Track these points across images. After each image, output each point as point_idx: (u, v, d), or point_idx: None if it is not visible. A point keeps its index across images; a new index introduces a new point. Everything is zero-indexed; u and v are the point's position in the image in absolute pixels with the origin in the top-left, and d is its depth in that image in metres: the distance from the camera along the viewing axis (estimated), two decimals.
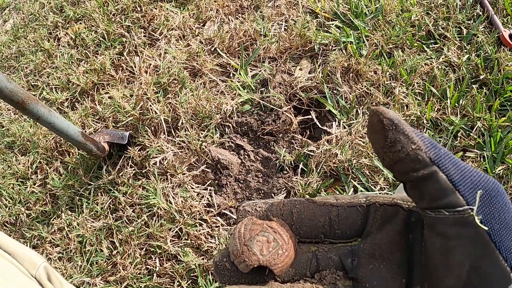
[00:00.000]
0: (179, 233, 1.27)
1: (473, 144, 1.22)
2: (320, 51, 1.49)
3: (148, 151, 1.41)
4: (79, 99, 1.68)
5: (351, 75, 1.40)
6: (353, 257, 0.28)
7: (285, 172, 1.30)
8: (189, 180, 1.35)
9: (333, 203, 0.28)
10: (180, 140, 1.42)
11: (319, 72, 1.43)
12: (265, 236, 0.27)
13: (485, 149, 1.20)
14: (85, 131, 1.53)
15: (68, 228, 1.39)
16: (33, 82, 1.82)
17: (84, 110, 1.61)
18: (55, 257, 1.36)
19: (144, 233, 1.29)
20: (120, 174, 1.41)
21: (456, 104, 1.30)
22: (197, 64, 1.57)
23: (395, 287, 0.27)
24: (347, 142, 1.27)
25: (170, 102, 1.49)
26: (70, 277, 1.29)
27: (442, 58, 1.38)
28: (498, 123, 1.22)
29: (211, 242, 1.25)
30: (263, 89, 1.45)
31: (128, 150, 1.43)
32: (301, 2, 1.63)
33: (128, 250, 1.28)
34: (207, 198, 1.31)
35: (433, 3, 1.51)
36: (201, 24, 1.73)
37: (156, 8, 1.80)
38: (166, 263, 1.24)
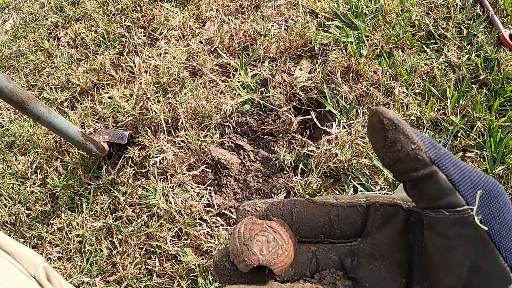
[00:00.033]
0: (179, 233, 1.27)
1: (473, 144, 1.22)
2: (320, 51, 1.49)
3: (148, 151, 1.41)
4: (79, 99, 1.68)
5: (351, 75, 1.40)
6: (353, 257, 0.28)
7: (285, 172, 1.30)
8: (189, 180, 1.35)
9: (333, 203, 0.28)
10: (180, 140, 1.42)
11: (319, 72, 1.43)
12: (265, 235, 0.27)
13: (485, 149, 1.20)
14: (85, 131, 1.53)
15: (68, 228, 1.39)
16: (33, 81, 1.82)
17: (84, 110, 1.61)
18: (54, 257, 1.36)
19: (143, 233, 1.29)
20: (120, 174, 1.41)
21: (456, 104, 1.30)
22: (197, 64, 1.57)
23: (395, 287, 0.27)
24: (347, 142, 1.27)
25: (170, 102, 1.49)
26: (69, 277, 1.29)
27: (442, 58, 1.38)
28: (498, 123, 1.22)
29: (210, 242, 1.24)
30: (263, 89, 1.45)
31: (128, 150, 1.43)
32: (301, 2, 1.63)
33: (128, 250, 1.28)
34: (207, 198, 1.31)
35: (433, 3, 1.51)
36: (201, 24, 1.73)
37: (156, 8, 1.80)
38: (166, 263, 1.24)
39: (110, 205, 1.39)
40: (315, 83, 1.41)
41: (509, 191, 1.14)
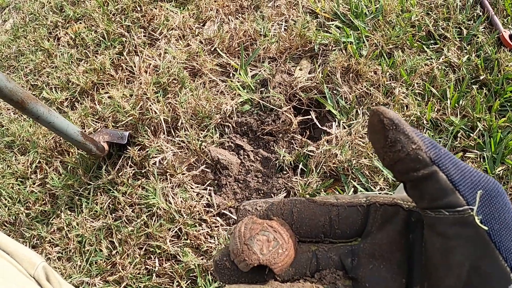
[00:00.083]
0: (179, 233, 1.27)
1: (473, 145, 1.22)
2: (320, 51, 1.49)
3: (147, 151, 1.41)
4: (79, 98, 1.68)
5: (351, 75, 1.40)
6: (353, 256, 0.28)
7: (285, 172, 1.30)
8: (189, 180, 1.35)
9: (333, 203, 0.28)
10: (179, 140, 1.42)
11: (319, 72, 1.43)
12: (265, 235, 0.27)
13: (485, 149, 1.20)
14: (85, 131, 1.53)
15: (68, 228, 1.39)
16: (32, 81, 1.82)
17: (83, 109, 1.61)
18: (54, 257, 1.35)
19: (143, 233, 1.29)
20: (119, 174, 1.41)
21: (456, 105, 1.30)
22: (197, 64, 1.57)
23: (395, 287, 0.27)
24: (347, 143, 1.27)
25: (170, 102, 1.49)
26: (69, 277, 1.29)
27: (442, 59, 1.38)
28: (498, 123, 1.22)
29: (210, 242, 1.24)
30: (263, 89, 1.45)
31: (128, 150, 1.43)
32: (301, 2, 1.63)
33: (128, 250, 1.28)
34: (207, 198, 1.31)
35: (433, 3, 1.51)
36: (201, 24, 1.73)
37: (156, 8, 1.80)
38: (166, 263, 1.24)
39: (110, 205, 1.39)
40: (315, 83, 1.41)
41: (509, 191, 1.14)
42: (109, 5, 1.87)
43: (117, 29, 1.79)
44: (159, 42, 1.71)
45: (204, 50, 1.61)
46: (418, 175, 0.23)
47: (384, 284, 0.27)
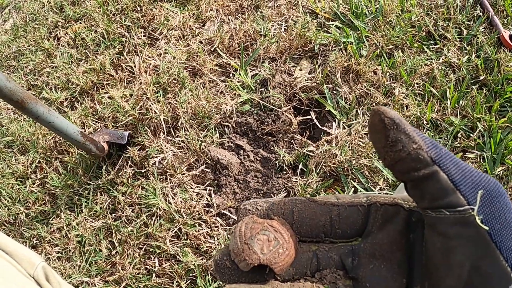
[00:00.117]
0: (178, 233, 1.27)
1: (473, 145, 1.22)
2: (320, 51, 1.49)
3: (147, 151, 1.41)
4: (79, 98, 1.68)
5: (351, 75, 1.40)
6: (353, 256, 0.28)
7: (285, 172, 1.30)
8: (189, 180, 1.35)
9: (334, 203, 0.28)
10: (179, 140, 1.42)
11: (319, 72, 1.43)
12: (265, 234, 0.27)
13: (485, 150, 1.20)
14: (85, 131, 1.53)
15: (67, 227, 1.39)
16: (32, 81, 1.82)
17: (83, 109, 1.61)
18: (54, 256, 1.35)
19: (143, 233, 1.29)
20: (119, 174, 1.41)
21: (456, 105, 1.30)
22: (197, 64, 1.57)
23: (396, 287, 0.27)
24: (347, 143, 1.27)
25: (170, 102, 1.49)
26: (69, 276, 1.29)
27: (442, 59, 1.39)
28: (498, 124, 1.22)
29: (210, 242, 1.24)
30: (263, 89, 1.45)
31: (128, 150, 1.43)
32: (301, 2, 1.63)
33: (127, 250, 1.28)
34: (207, 198, 1.31)
35: (433, 3, 1.52)
36: (201, 24, 1.73)
37: (156, 8, 1.80)
38: (165, 263, 1.24)
39: (110, 205, 1.39)
40: (315, 84, 1.41)
41: (509, 192, 1.14)
42: (109, 5, 1.87)
43: (117, 29, 1.79)
44: (159, 42, 1.71)
45: (204, 50, 1.61)
46: (419, 174, 0.23)
47: (384, 284, 0.27)
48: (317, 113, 1.41)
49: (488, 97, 1.29)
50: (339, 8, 1.56)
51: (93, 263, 1.31)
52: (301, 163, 1.30)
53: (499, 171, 1.16)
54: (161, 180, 1.36)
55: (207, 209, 1.30)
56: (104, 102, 1.59)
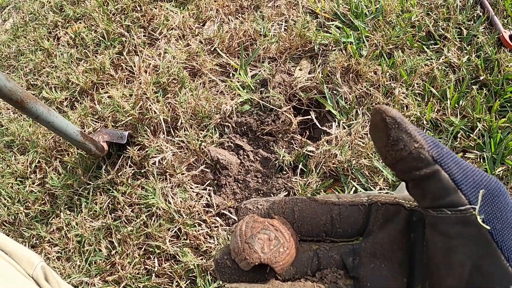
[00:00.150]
0: (178, 233, 1.27)
1: (473, 145, 1.22)
2: (320, 51, 1.49)
3: (147, 151, 1.41)
4: (79, 98, 1.68)
5: (351, 75, 1.40)
6: (354, 256, 0.27)
7: (285, 172, 1.30)
8: (188, 180, 1.35)
9: (335, 202, 0.28)
10: (179, 140, 1.42)
11: (319, 72, 1.43)
12: (266, 234, 0.27)
13: (485, 150, 1.20)
14: (84, 131, 1.53)
15: (67, 227, 1.39)
16: (32, 81, 1.82)
17: (83, 109, 1.61)
18: (53, 256, 1.35)
19: (143, 233, 1.29)
20: (119, 174, 1.41)
21: (456, 105, 1.30)
22: (197, 64, 1.57)
23: (396, 286, 0.26)
24: (347, 143, 1.27)
25: (170, 102, 1.49)
26: (68, 276, 1.29)
27: (442, 59, 1.38)
28: (498, 124, 1.22)
29: (210, 242, 1.24)
30: (263, 89, 1.45)
31: (127, 150, 1.43)
32: (301, 2, 1.63)
33: (127, 250, 1.28)
34: (206, 198, 1.31)
35: (433, 3, 1.52)
36: (201, 24, 1.73)
37: (156, 8, 1.79)
38: (165, 263, 1.24)
39: (109, 205, 1.39)
40: (315, 84, 1.41)
41: (510, 192, 1.14)
42: (109, 4, 1.87)
43: (117, 28, 1.79)
44: (159, 42, 1.71)
45: (204, 50, 1.61)
46: (420, 174, 0.23)
47: (385, 283, 0.26)
48: (317, 113, 1.41)
49: (488, 97, 1.29)
50: (339, 8, 1.56)
51: (93, 263, 1.30)
52: (301, 163, 1.30)
53: (499, 171, 1.16)
54: (160, 180, 1.36)
55: (206, 209, 1.30)
56: (104, 102, 1.59)
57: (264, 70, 1.49)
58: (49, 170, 1.52)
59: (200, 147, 1.38)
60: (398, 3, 1.52)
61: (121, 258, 1.27)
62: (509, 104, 1.27)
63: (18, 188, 1.52)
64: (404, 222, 0.27)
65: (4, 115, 1.78)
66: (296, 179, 1.27)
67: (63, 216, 1.41)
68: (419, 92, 1.34)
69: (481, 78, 1.32)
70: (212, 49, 1.61)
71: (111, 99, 1.58)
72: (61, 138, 1.53)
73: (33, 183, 1.53)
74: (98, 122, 1.57)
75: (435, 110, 1.30)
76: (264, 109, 1.40)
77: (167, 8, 1.78)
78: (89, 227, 1.35)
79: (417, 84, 1.35)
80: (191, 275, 1.21)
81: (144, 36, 1.75)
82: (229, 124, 1.41)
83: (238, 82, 1.50)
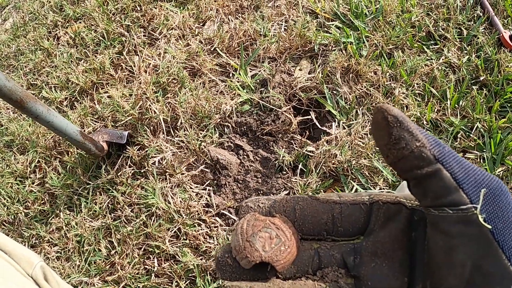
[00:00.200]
0: (178, 233, 1.27)
1: (473, 145, 1.22)
2: (320, 51, 1.49)
3: (147, 151, 1.41)
4: (78, 98, 1.68)
5: (351, 75, 1.40)
6: (355, 255, 0.27)
7: (284, 172, 1.30)
8: (188, 180, 1.35)
9: (336, 201, 0.28)
10: (179, 140, 1.42)
11: (318, 72, 1.43)
12: (267, 232, 0.27)
13: (485, 150, 1.20)
14: (84, 130, 1.53)
15: (67, 227, 1.38)
16: (32, 81, 1.81)
17: (83, 109, 1.60)
18: (53, 256, 1.35)
19: (142, 233, 1.28)
20: (118, 174, 1.41)
21: (456, 105, 1.30)
22: (197, 64, 1.57)
23: (397, 285, 0.26)
24: (347, 143, 1.27)
25: (170, 102, 1.49)
26: (68, 276, 1.29)
27: (442, 59, 1.39)
28: (498, 124, 1.22)
29: (209, 242, 1.24)
30: (263, 89, 1.45)
31: (127, 150, 1.43)
32: (301, 2, 1.63)
33: (127, 250, 1.28)
34: (206, 198, 1.31)
35: (433, 4, 1.52)
36: (201, 24, 1.73)
37: (156, 8, 1.79)
38: (165, 263, 1.24)
39: (109, 205, 1.38)
40: (315, 84, 1.41)
41: (510, 192, 1.14)
42: (109, 4, 1.87)
43: (117, 28, 1.79)
44: (159, 41, 1.71)
45: (204, 50, 1.61)
46: (421, 172, 0.23)
47: (386, 282, 0.26)
48: (317, 113, 1.40)
49: (488, 97, 1.29)
50: (339, 8, 1.56)
51: (92, 263, 1.30)
52: (300, 163, 1.29)
53: (499, 172, 1.16)
54: (160, 180, 1.36)
55: (206, 209, 1.30)
56: (104, 102, 1.59)
57: (264, 70, 1.48)
58: (48, 169, 1.52)
59: (200, 147, 1.38)
60: (398, 3, 1.52)
61: (121, 258, 1.27)
62: (509, 105, 1.27)
63: (18, 188, 1.52)
64: (405, 221, 0.27)
65: (4, 115, 1.78)
66: (296, 179, 1.27)
67: (62, 216, 1.41)
68: (419, 92, 1.34)
69: (481, 78, 1.32)
70: (212, 49, 1.61)
71: (111, 99, 1.58)
72: (60, 138, 1.53)
73: (33, 183, 1.53)
74: (98, 122, 1.57)
75: (435, 110, 1.30)
76: (264, 109, 1.40)
77: (167, 8, 1.78)
78: (88, 227, 1.35)
79: (417, 84, 1.35)
80: (190, 275, 1.21)
81: (144, 36, 1.75)
82: (229, 124, 1.41)
83: (238, 82, 1.50)
